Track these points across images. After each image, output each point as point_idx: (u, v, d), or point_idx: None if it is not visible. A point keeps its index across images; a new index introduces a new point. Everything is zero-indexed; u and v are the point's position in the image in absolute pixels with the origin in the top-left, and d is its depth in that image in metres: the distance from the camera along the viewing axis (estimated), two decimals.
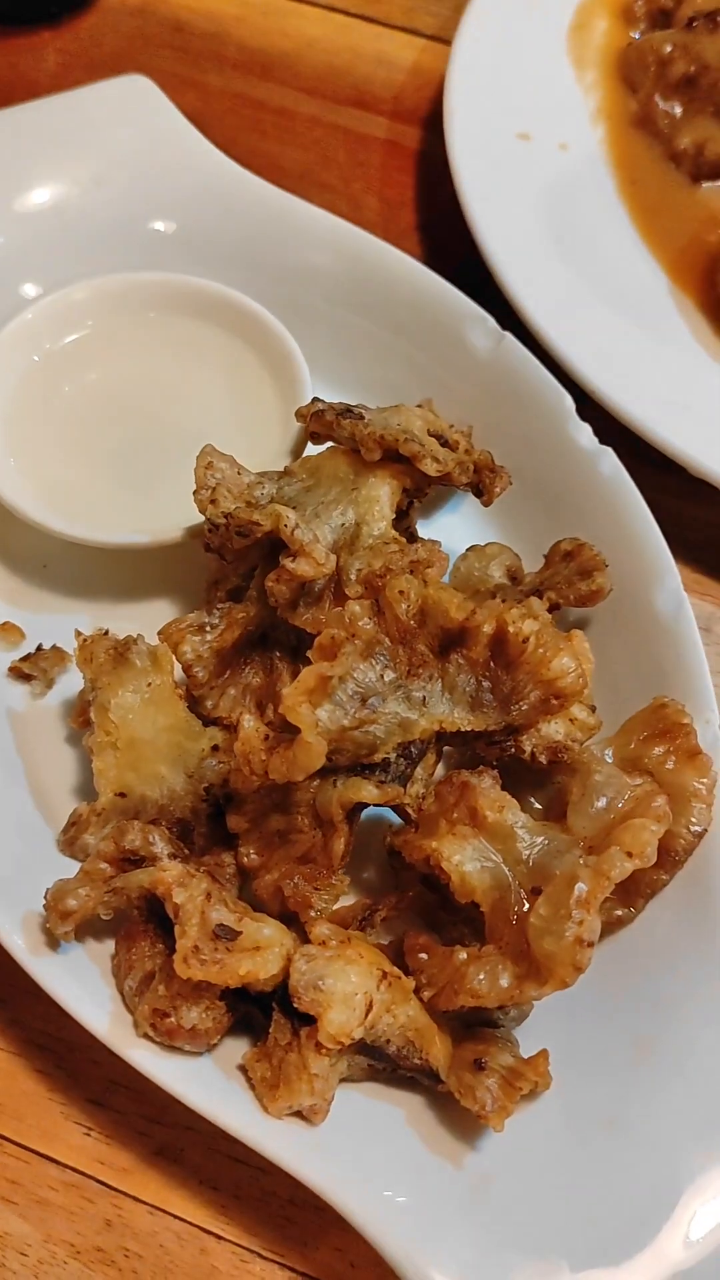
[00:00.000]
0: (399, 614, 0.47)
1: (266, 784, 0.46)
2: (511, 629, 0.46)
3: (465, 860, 0.45)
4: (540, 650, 0.46)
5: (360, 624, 0.47)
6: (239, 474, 0.53)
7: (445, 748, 0.50)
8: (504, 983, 0.42)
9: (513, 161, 0.68)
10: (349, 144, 0.75)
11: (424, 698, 0.47)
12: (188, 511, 0.53)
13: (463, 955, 0.45)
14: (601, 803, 0.46)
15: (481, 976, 0.43)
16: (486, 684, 0.47)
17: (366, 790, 0.45)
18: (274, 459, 0.57)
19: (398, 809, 0.48)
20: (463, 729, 0.47)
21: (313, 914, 0.46)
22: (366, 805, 0.47)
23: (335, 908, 0.48)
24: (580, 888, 0.42)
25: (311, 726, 0.44)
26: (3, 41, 0.78)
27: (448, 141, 0.67)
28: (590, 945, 0.41)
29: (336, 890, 0.47)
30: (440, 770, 0.50)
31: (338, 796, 0.46)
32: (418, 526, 0.57)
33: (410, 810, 0.48)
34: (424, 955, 0.46)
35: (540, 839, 0.45)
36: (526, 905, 0.44)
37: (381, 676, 0.46)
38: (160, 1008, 0.43)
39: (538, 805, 0.50)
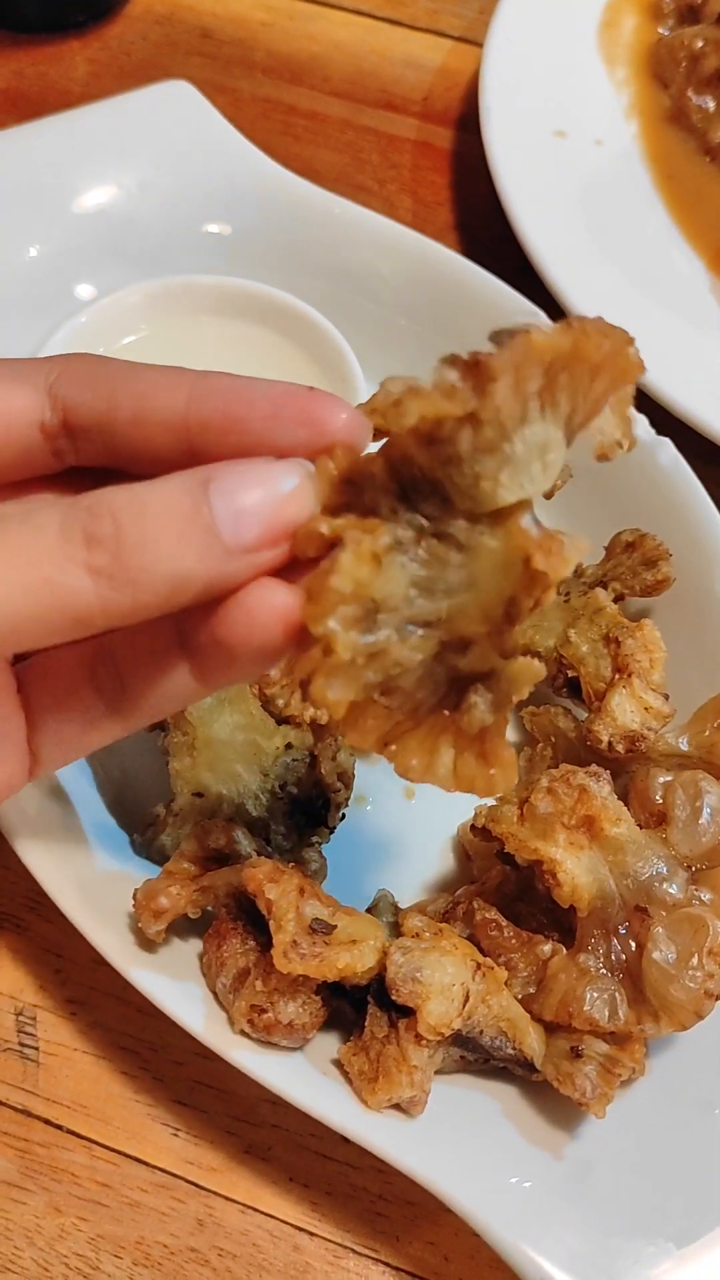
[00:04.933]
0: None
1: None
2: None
3: (581, 872, 0.45)
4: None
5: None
6: None
7: None
8: (622, 1013, 0.43)
9: (550, 159, 0.68)
10: (381, 145, 0.76)
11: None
12: None
13: (546, 948, 0.46)
14: (706, 820, 0.46)
15: (596, 998, 0.43)
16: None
17: None
18: None
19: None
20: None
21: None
22: None
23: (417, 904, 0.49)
24: (712, 938, 0.43)
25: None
26: (31, 51, 0.78)
27: (485, 141, 0.67)
28: (718, 998, 0.42)
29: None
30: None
31: None
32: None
33: None
34: (495, 933, 0.46)
35: (651, 857, 0.45)
36: (627, 924, 0.44)
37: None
38: (258, 1003, 0.43)
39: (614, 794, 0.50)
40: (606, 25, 0.74)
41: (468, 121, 0.75)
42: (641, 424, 0.57)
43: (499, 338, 0.32)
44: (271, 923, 0.43)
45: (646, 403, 0.59)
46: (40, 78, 0.77)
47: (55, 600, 0.31)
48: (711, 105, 0.71)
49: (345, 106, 0.77)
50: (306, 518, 0.32)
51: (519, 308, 0.60)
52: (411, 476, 0.33)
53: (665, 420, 0.59)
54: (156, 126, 0.63)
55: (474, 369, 0.31)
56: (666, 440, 0.57)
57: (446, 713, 0.35)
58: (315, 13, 0.81)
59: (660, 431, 0.57)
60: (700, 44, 0.71)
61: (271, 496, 0.32)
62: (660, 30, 0.75)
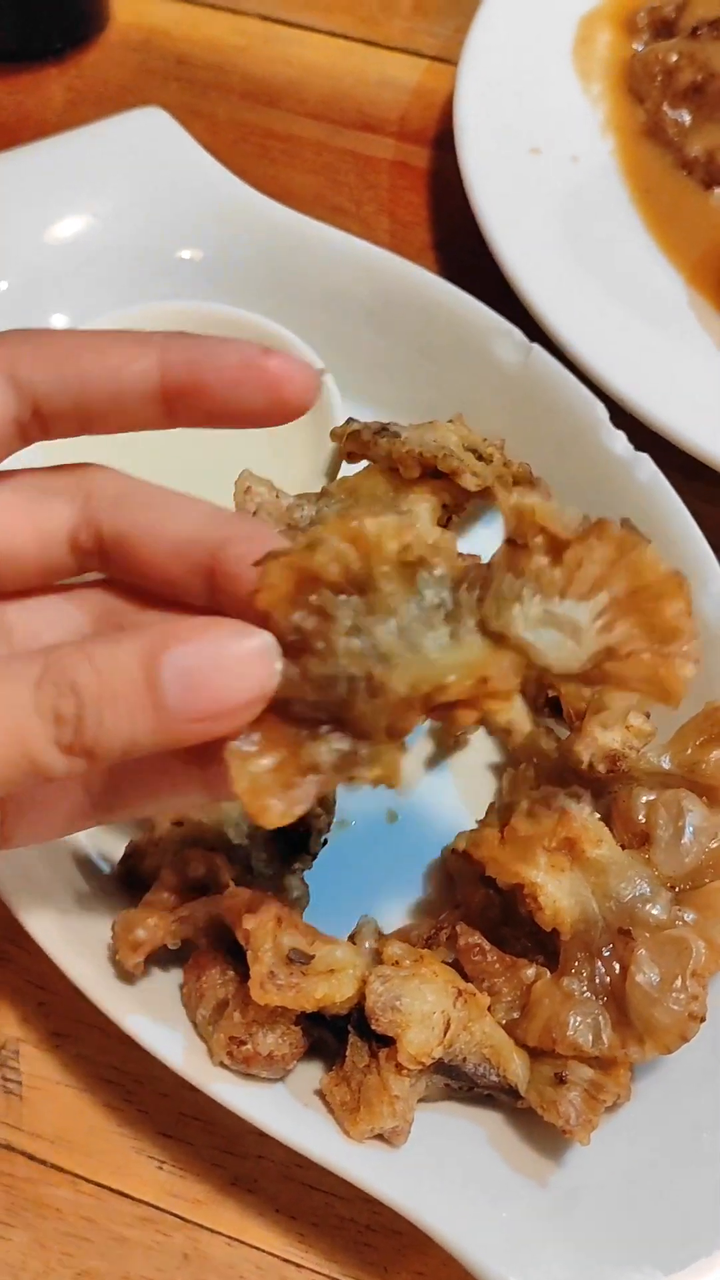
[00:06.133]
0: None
1: None
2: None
3: (562, 896, 0.44)
4: None
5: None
6: (277, 497, 0.53)
7: None
8: (606, 1038, 0.42)
9: (525, 176, 0.68)
10: (358, 166, 0.76)
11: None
12: None
13: (529, 972, 0.45)
14: (689, 840, 0.46)
15: (579, 1022, 0.42)
16: None
17: None
18: (308, 480, 0.57)
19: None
20: None
21: None
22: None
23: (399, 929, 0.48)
24: (695, 959, 0.42)
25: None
26: (8, 80, 0.78)
27: (460, 160, 0.67)
28: (703, 1020, 0.41)
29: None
30: None
31: None
32: (456, 542, 0.57)
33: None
34: (479, 958, 0.46)
35: (633, 878, 0.45)
36: (611, 946, 0.43)
37: None
38: (236, 1035, 0.43)
39: (596, 815, 0.50)
40: (581, 41, 0.74)
41: (445, 140, 0.75)
42: (620, 440, 0.57)
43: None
44: (249, 954, 0.42)
45: (624, 418, 0.59)
46: (17, 107, 0.77)
47: (29, 768, 0.33)
48: (687, 119, 0.71)
49: (322, 128, 0.77)
50: (261, 693, 0.33)
51: (495, 326, 0.60)
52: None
53: (643, 435, 0.58)
54: (129, 154, 0.63)
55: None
56: (645, 456, 0.56)
57: (303, 732, 0.35)
58: (291, 36, 0.81)
59: (638, 447, 0.57)
60: (675, 58, 0.71)
61: (224, 672, 0.33)
62: (635, 45, 0.75)
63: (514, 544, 0.34)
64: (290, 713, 0.35)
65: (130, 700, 0.32)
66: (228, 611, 0.36)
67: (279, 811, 0.34)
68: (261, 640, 0.33)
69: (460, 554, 0.54)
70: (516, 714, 0.36)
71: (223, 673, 0.33)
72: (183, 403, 0.37)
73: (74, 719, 0.32)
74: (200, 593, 0.37)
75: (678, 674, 0.34)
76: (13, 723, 0.33)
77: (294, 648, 0.34)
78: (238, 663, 0.33)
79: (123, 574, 0.38)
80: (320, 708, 0.35)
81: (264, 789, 0.34)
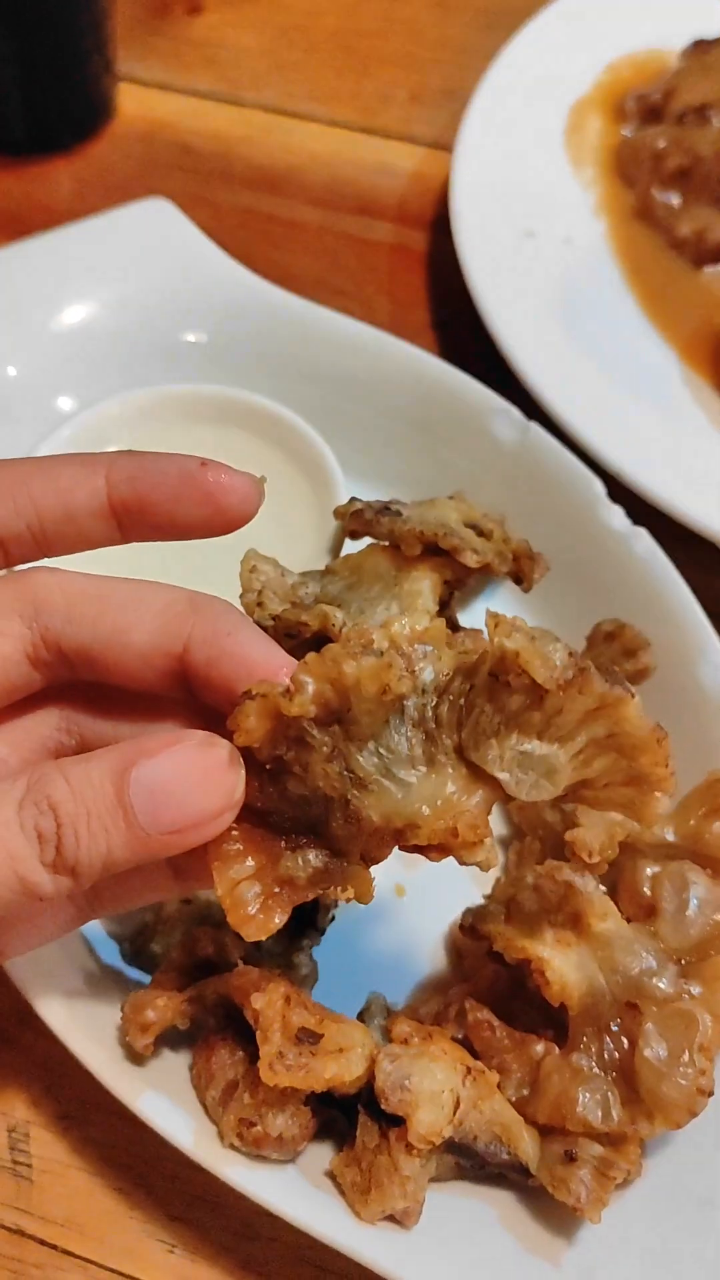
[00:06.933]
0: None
1: None
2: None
3: (569, 970, 0.44)
4: None
5: None
6: (283, 575, 0.54)
7: None
8: (616, 1114, 0.42)
9: (520, 259, 0.70)
10: (358, 250, 0.78)
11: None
12: None
13: (538, 1048, 0.45)
14: (693, 912, 0.46)
15: (589, 1099, 0.42)
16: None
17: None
18: (313, 558, 0.58)
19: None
20: None
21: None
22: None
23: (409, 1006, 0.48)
24: (702, 1033, 0.42)
25: None
26: (18, 171, 0.81)
27: (457, 244, 0.69)
28: (710, 1094, 0.42)
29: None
30: None
31: None
32: (458, 616, 0.58)
33: None
34: (488, 1034, 0.46)
35: (639, 951, 0.45)
36: (619, 1021, 0.44)
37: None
38: (246, 1117, 0.43)
39: (601, 888, 0.50)
40: (572, 128, 0.77)
41: (442, 224, 0.78)
42: (618, 514, 0.58)
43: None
44: (258, 1034, 0.42)
45: (621, 493, 0.60)
46: (26, 197, 0.80)
47: (20, 888, 0.34)
48: (676, 201, 0.73)
49: (322, 214, 0.79)
50: (227, 803, 0.34)
51: (493, 405, 0.61)
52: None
53: (640, 508, 0.60)
54: (135, 243, 0.65)
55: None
56: (643, 530, 0.57)
57: (282, 842, 0.37)
58: (292, 125, 0.84)
59: (636, 520, 0.58)
60: (662, 143, 0.73)
61: (189, 785, 0.34)
62: (624, 131, 0.77)
63: (495, 678, 0.35)
64: (271, 824, 0.36)
65: (104, 817, 0.33)
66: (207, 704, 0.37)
67: (258, 924, 0.36)
68: (224, 752, 0.34)
69: (462, 628, 0.55)
70: (486, 853, 0.37)
71: (187, 786, 0.34)
72: (130, 518, 0.38)
73: (54, 837, 0.33)
74: (177, 692, 0.38)
75: (654, 809, 0.37)
76: (1, 844, 0.33)
77: (273, 772, 0.35)
78: (201, 775, 0.34)
79: (96, 679, 0.38)
80: (299, 822, 0.36)
81: (244, 901, 0.36)
